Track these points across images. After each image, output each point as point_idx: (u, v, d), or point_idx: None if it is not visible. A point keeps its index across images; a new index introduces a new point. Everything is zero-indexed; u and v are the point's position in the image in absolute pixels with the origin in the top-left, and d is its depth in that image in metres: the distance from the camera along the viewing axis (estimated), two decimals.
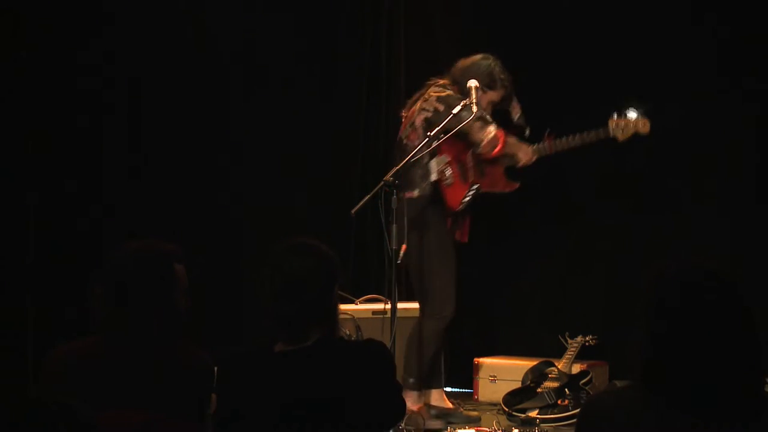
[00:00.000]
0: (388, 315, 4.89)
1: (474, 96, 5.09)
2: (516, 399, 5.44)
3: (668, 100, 5.91)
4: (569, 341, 5.67)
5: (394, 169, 4.93)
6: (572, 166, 6.10)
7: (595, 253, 6.14)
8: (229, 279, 5.98)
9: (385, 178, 4.91)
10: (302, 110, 6.28)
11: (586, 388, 5.36)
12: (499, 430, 4.97)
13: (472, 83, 5.13)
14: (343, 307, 5.39)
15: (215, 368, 2.96)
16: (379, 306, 5.55)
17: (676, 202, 6.01)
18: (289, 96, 6.24)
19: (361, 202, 5.04)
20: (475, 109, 5.08)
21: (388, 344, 4.71)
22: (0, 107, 5.39)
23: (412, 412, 5.10)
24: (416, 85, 6.44)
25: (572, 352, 5.62)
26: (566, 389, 5.33)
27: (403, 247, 4.94)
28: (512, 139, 5.42)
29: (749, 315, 2.22)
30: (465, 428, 5.07)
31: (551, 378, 5.44)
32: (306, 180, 6.27)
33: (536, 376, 5.49)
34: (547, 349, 5.84)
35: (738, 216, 5.83)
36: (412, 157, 5.04)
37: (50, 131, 5.58)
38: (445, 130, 5.06)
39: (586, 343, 5.69)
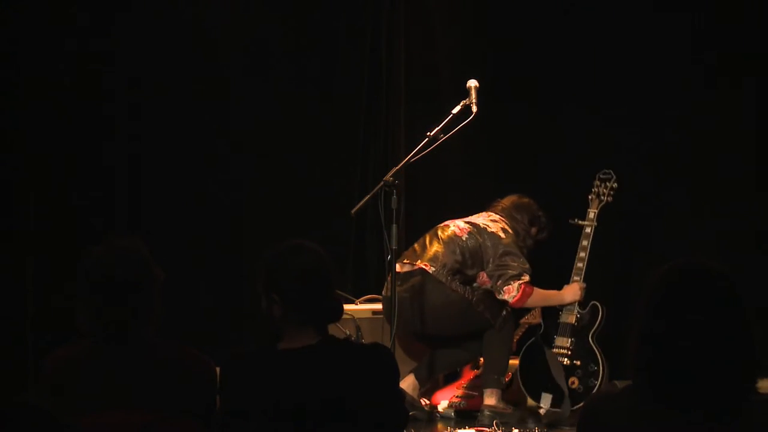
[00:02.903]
0: None
1: (474, 95, 5.09)
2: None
3: (668, 107, 5.95)
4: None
5: (394, 169, 4.94)
6: (573, 167, 6.10)
7: (595, 252, 6.14)
8: (229, 279, 5.98)
9: (385, 178, 4.91)
10: (302, 110, 6.28)
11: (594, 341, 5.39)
12: (499, 430, 4.97)
13: (472, 83, 5.13)
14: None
15: (218, 369, 2.96)
16: (379, 306, 5.55)
17: (675, 203, 6.01)
18: (290, 96, 6.25)
19: (361, 202, 5.05)
20: (475, 109, 5.08)
21: (388, 345, 4.72)
22: None
23: (496, 407, 5.25)
24: (416, 83, 6.46)
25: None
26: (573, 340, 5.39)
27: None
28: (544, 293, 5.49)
29: (746, 314, 2.22)
30: (465, 428, 5.07)
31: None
32: (306, 180, 6.27)
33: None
34: None
35: (737, 216, 5.84)
36: (412, 157, 5.05)
37: (51, 127, 5.59)
38: (444, 130, 5.06)
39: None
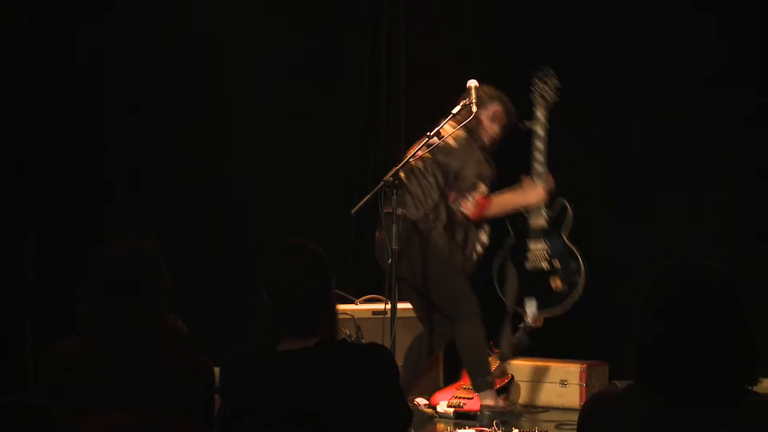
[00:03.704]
0: (388, 315, 4.90)
1: (473, 95, 5.09)
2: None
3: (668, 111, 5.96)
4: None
5: (394, 169, 4.94)
6: (572, 167, 6.11)
7: (594, 251, 6.15)
8: (229, 279, 5.98)
9: (385, 178, 4.91)
10: (302, 110, 6.28)
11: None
12: (499, 430, 4.97)
13: (472, 83, 5.13)
14: (343, 307, 5.41)
15: (217, 369, 2.96)
16: (379, 306, 5.55)
17: (675, 203, 6.02)
18: (290, 96, 6.25)
19: (361, 202, 5.05)
20: (475, 108, 5.07)
21: (388, 345, 4.72)
22: None
23: (495, 407, 5.24)
24: (416, 83, 6.46)
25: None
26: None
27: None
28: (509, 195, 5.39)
29: (745, 314, 2.22)
30: (465, 428, 5.07)
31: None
32: (306, 180, 6.27)
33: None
34: (547, 349, 5.84)
35: (737, 216, 5.84)
36: (412, 157, 5.05)
37: (51, 128, 5.59)
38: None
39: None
